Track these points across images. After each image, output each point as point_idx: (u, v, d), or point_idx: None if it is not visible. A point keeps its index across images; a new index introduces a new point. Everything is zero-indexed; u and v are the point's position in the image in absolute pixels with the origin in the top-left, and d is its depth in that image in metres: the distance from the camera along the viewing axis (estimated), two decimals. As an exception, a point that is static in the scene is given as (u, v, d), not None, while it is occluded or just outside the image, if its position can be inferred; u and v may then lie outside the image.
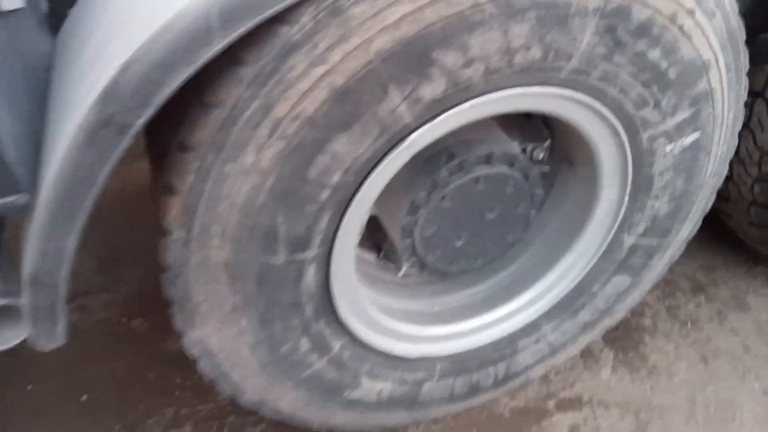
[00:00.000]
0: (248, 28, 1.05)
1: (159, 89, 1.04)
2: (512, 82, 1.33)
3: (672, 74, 1.45)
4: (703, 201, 1.84)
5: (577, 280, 1.90)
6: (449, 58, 1.21)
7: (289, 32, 1.11)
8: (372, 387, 1.79)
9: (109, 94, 1.03)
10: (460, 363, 1.91)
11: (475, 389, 1.99)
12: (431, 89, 1.25)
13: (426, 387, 1.90)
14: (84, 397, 2.17)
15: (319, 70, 1.14)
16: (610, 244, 1.83)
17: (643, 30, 1.34)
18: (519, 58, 1.28)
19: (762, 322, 2.45)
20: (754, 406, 2.16)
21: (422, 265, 1.76)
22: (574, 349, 2.09)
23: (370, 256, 1.92)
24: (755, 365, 2.29)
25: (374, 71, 1.17)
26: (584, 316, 2.00)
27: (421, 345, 1.85)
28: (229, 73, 1.14)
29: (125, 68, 1.03)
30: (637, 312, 2.44)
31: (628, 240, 1.83)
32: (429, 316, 1.91)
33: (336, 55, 1.14)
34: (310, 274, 1.45)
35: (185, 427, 2.06)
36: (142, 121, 1.06)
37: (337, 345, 1.65)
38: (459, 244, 1.72)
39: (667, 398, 2.18)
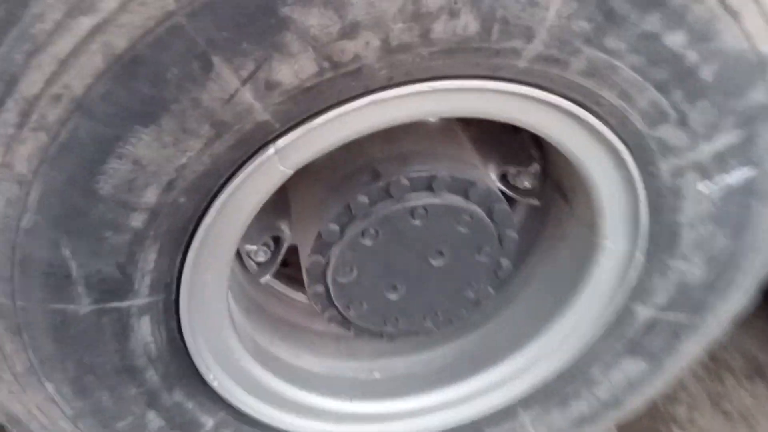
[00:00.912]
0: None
1: None
2: (438, 71, 0.85)
3: (706, 74, 0.92)
4: (757, 267, 1.27)
5: (568, 359, 1.38)
6: (312, 20, 0.75)
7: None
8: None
9: None
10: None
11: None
12: (291, 69, 0.78)
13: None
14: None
15: (85, 23, 0.71)
16: (618, 315, 1.30)
17: (656, -3, 0.83)
18: (440, 31, 0.80)
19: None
20: None
21: (344, 321, 1.29)
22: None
23: (292, 294, 1.47)
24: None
25: (179, 31, 0.72)
26: (579, 407, 1.46)
27: (349, 427, 1.38)
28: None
29: None
30: (668, 395, 1.86)
31: (644, 312, 1.29)
32: (364, 386, 1.43)
33: (110, 1, 0.70)
34: (144, 329, 1.01)
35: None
36: None
37: (209, 422, 1.20)
38: (393, 297, 1.24)
39: None
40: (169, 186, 0.85)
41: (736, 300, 1.31)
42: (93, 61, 0.72)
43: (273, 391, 1.27)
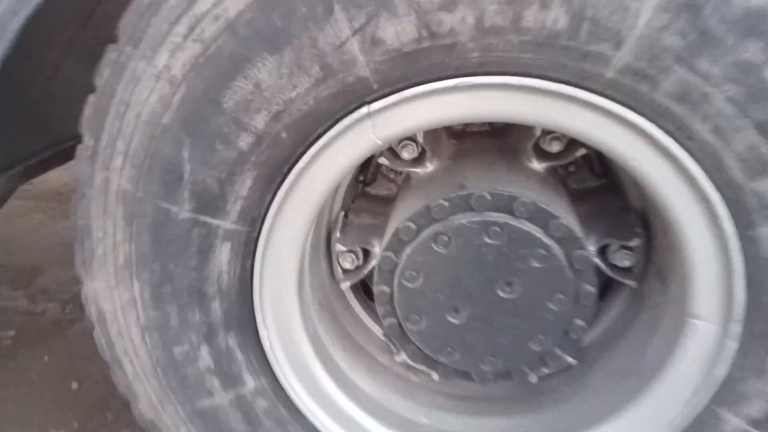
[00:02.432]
0: None
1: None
2: (527, 66, 0.93)
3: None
4: None
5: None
6: (421, -14, 0.89)
7: None
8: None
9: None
10: None
11: None
12: (395, 30, 0.93)
13: None
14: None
15: (248, -39, 0.93)
16: (699, 420, 1.13)
17: (757, 21, 0.84)
18: (530, 20, 0.89)
19: None
20: None
21: (401, 336, 1.29)
22: None
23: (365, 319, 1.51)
24: None
25: (314, -24, 0.91)
26: None
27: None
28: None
29: None
30: None
31: (732, 423, 1.11)
32: (406, 424, 1.37)
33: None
34: (223, 255, 1.14)
35: None
36: None
37: (251, 383, 1.25)
38: (454, 320, 1.23)
39: None
40: (277, 116, 1.01)
41: None
42: (247, -9, 0.94)
43: (318, 384, 1.28)
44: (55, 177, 2.38)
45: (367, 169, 1.44)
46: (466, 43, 0.92)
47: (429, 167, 1.32)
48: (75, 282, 1.27)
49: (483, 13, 0.89)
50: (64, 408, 1.97)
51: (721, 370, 1.08)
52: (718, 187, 0.96)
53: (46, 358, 2.19)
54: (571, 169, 1.37)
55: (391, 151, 1.31)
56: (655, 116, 0.93)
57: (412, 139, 1.27)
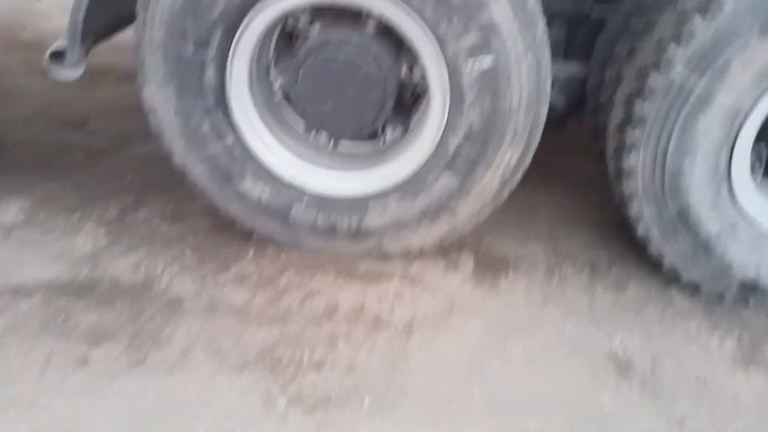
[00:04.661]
0: None
1: None
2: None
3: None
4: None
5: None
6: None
7: None
8: (254, 187, 2.63)
9: None
10: (323, 202, 2.64)
11: (333, 230, 2.69)
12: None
13: (295, 209, 2.67)
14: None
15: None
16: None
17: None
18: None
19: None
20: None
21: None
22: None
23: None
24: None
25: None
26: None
27: (295, 173, 2.63)
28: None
29: None
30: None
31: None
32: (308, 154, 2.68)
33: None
34: (211, 72, 2.40)
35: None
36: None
37: (230, 138, 2.55)
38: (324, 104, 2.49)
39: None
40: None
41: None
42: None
43: (262, 136, 2.57)
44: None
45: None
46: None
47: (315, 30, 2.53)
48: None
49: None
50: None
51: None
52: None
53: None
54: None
55: (296, 20, 2.52)
56: (393, -6, 2.15)
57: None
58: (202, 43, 2.33)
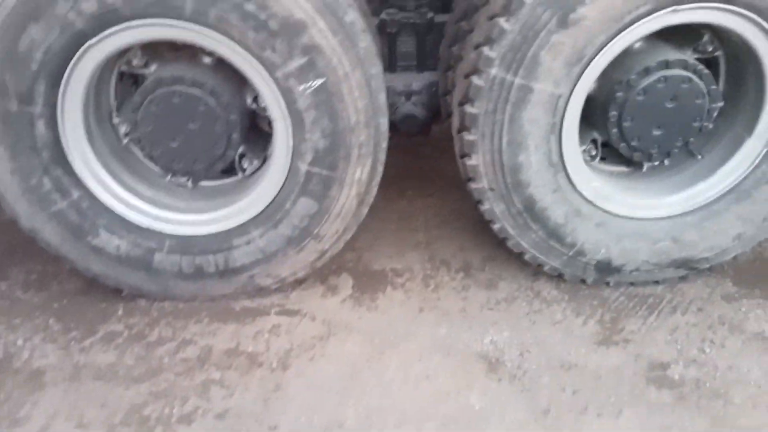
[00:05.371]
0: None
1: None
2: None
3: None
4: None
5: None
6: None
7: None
8: (110, 240, 2.54)
9: None
10: (185, 244, 2.58)
11: (200, 272, 2.62)
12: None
13: (157, 257, 2.59)
14: None
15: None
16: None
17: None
18: None
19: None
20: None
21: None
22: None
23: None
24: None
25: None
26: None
27: (151, 220, 2.56)
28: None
29: None
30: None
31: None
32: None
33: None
34: (41, 126, 2.30)
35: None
36: None
37: (75, 193, 2.45)
38: (172, 142, 2.46)
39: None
40: (47, 52, 2.16)
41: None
42: (15, -3, 2.07)
43: (110, 186, 2.50)
44: None
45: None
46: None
47: (152, 68, 2.50)
48: None
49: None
50: None
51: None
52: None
53: None
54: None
55: (129, 64, 2.48)
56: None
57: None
58: (26, 98, 2.24)
